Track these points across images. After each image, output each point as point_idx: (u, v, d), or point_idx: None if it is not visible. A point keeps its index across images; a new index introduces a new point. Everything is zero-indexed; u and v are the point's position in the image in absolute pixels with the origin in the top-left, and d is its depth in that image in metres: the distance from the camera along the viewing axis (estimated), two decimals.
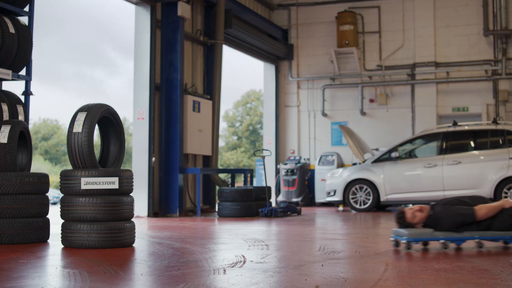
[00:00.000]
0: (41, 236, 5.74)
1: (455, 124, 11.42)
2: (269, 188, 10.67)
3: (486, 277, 3.64)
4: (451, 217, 4.93)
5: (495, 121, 11.16)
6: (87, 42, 58.34)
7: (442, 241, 4.92)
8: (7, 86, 7.23)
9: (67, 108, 56.95)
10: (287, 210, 10.51)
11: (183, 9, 10.87)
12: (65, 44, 57.30)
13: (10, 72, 6.73)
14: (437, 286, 3.35)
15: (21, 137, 6.33)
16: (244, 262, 4.37)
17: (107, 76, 60.78)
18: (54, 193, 25.47)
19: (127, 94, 58.23)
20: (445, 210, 4.99)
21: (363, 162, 11.86)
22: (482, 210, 4.95)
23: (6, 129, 5.92)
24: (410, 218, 5.06)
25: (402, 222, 5.09)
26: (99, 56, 59.57)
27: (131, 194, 6.12)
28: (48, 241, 5.86)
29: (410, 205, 12.43)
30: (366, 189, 11.51)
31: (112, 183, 5.76)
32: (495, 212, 4.97)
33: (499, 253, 4.79)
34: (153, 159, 10.74)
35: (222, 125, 43.41)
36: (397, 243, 5.06)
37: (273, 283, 3.52)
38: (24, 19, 7.22)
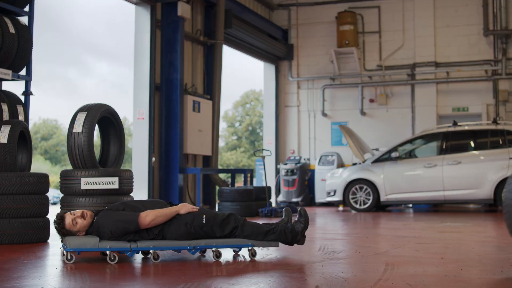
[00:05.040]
0: (41, 236, 5.74)
1: (455, 124, 11.42)
2: (269, 188, 10.66)
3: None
4: (111, 224, 4.27)
5: (495, 121, 11.15)
6: (58, 43, 58.19)
7: (108, 251, 4.25)
8: (7, 86, 7.23)
9: (52, 108, 57.03)
10: None
11: (183, 9, 10.88)
12: (36, 44, 57.13)
13: (10, 72, 6.73)
14: (438, 287, 3.35)
15: (21, 137, 6.32)
16: (244, 262, 4.37)
17: (80, 77, 60.71)
18: (54, 193, 25.45)
19: (101, 94, 58.29)
20: (105, 216, 4.35)
21: (363, 162, 11.85)
22: (148, 216, 4.28)
23: (6, 129, 5.92)
24: (69, 225, 4.38)
25: (60, 229, 4.40)
26: (71, 57, 59.46)
27: (131, 194, 6.13)
28: (48, 241, 5.86)
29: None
30: (366, 189, 11.51)
31: (112, 183, 5.77)
32: (166, 218, 4.34)
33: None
34: (153, 159, 10.74)
35: (222, 125, 43.40)
36: (63, 254, 4.32)
37: (273, 283, 3.52)
38: (24, 19, 7.23)
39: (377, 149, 13.43)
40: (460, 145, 11.29)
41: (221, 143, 43.34)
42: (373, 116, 14.72)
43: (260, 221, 4.75)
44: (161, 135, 10.97)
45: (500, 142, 10.92)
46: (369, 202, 11.48)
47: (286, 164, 14.43)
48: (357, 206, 11.56)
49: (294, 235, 4.53)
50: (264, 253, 4.78)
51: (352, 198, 11.66)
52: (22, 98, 7.04)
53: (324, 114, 15.06)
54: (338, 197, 11.85)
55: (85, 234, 4.42)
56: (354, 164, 12.87)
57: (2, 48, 6.53)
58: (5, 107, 6.51)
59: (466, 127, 11.35)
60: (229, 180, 12.33)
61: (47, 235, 5.85)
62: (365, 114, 14.74)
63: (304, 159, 15.13)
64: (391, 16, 14.68)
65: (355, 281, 3.53)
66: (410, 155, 11.66)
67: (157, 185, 10.92)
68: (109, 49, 61.61)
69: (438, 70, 14.09)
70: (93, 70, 60.96)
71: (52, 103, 57.04)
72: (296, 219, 4.63)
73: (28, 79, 7.12)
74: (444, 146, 11.23)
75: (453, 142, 11.24)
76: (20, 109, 6.78)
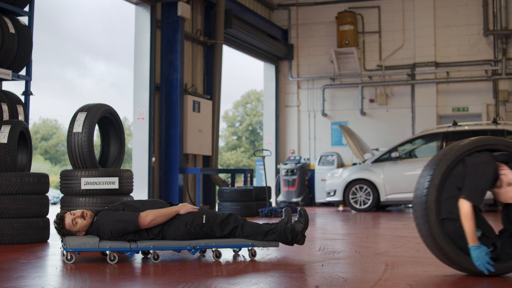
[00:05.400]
0: (41, 236, 5.74)
1: (455, 124, 11.42)
2: (269, 188, 10.66)
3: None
4: (111, 224, 4.27)
5: (495, 121, 11.15)
6: (55, 43, 58.14)
7: (108, 251, 4.25)
8: (7, 86, 7.24)
9: (50, 108, 57.07)
10: None
11: (183, 9, 10.88)
12: (34, 44, 56.94)
13: (10, 72, 6.73)
14: (438, 287, 3.35)
15: (21, 137, 6.33)
16: (245, 262, 4.37)
17: (78, 77, 60.64)
18: (54, 193, 25.44)
19: (98, 94, 58.26)
20: (105, 216, 4.34)
21: (363, 162, 11.86)
22: (148, 216, 4.28)
23: (6, 129, 5.92)
24: (69, 225, 4.38)
25: (60, 229, 4.41)
26: (68, 57, 59.36)
27: (131, 194, 6.13)
28: (48, 241, 5.86)
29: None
30: (366, 189, 11.51)
31: (112, 183, 5.77)
32: (166, 218, 4.34)
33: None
34: (153, 159, 10.74)
35: (222, 125, 43.37)
36: (63, 254, 4.31)
37: (273, 283, 3.52)
38: (24, 19, 7.23)
39: (377, 149, 13.43)
40: None
41: (221, 143, 43.33)
42: (373, 116, 14.72)
43: (260, 221, 4.75)
44: (161, 135, 10.97)
45: None
46: (369, 202, 11.48)
47: (286, 164, 14.43)
48: (357, 206, 11.57)
49: (294, 235, 4.53)
50: (264, 253, 4.78)
51: (352, 198, 11.67)
52: (22, 98, 7.04)
53: (324, 114, 15.07)
54: (338, 197, 11.85)
55: (85, 234, 4.42)
56: (354, 164, 12.87)
57: (2, 48, 6.53)
58: (5, 107, 6.52)
59: (466, 127, 11.35)
60: (229, 180, 12.33)
61: (47, 235, 5.85)
62: (365, 114, 14.75)
63: (304, 159, 15.14)
64: (391, 16, 14.68)
65: (355, 281, 3.53)
66: (410, 155, 11.66)
67: (157, 185, 10.92)
68: (106, 49, 61.57)
69: (438, 70, 14.10)
70: (90, 70, 60.95)
71: (50, 103, 57.09)
72: (296, 219, 4.64)
73: (28, 79, 7.12)
74: (444, 146, 11.23)
75: (453, 142, 11.22)
76: (20, 109, 6.78)
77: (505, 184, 3.60)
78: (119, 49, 60.60)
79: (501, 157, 3.64)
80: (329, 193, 12.10)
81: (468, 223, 3.50)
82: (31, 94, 7.16)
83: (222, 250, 4.56)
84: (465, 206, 3.50)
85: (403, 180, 11.30)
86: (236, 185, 13.81)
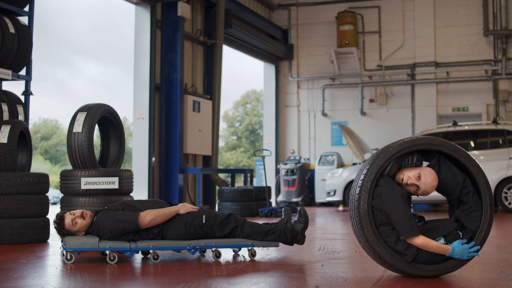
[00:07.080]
0: (41, 236, 5.74)
1: (455, 124, 11.42)
2: (269, 188, 10.66)
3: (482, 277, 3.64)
4: (111, 224, 4.26)
5: (495, 121, 11.15)
6: (45, 43, 57.99)
7: (108, 251, 4.25)
8: (7, 86, 7.24)
9: (45, 108, 57.00)
10: None
11: (183, 9, 10.88)
12: None
13: (10, 72, 6.73)
14: (439, 286, 3.35)
15: (21, 137, 6.33)
16: (244, 262, 4.37)
17: (69, 77, 60.43)
18: (54, 193, 25.43)
19: (90, 94, 58.14)
20: (105, 216, 4.33)
21: (363, 162, 11.85)
22: (148, 216, 4.27)
23: (6, 129, 5.92)
24: (69, 225, 4.38)
25: (60, 229, 4.40)
26: (58, 57, 59.11)
27: (131, 194, 6.13)
28: (48, 241, 5.86)
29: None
30: None
31: (112, 183, 5.77)
32: (166, 218, 4.33)
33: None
34: (153, 159, 10.74)
35: (222, 125, 43.36)
36: (63, 254, 4.31)
37: (273, 283, 3.52)
38: (24, 19, 7.23)
39: (377, 149, 13.43)
40: (460, 145, 11.28)
41: (221, 143, 43.32)
42: (373, 116, 14.72)
43: (260, 221, 4.74)
44: (161, 135, 10.97)
45: (500, 142, 10.92)
46: None
47: (286, 164, 14.43)
48: None
49: (294, 235, 4.53)
50: (264, 253, 4.78)
51: None
52: (22, 98, 7.04)
53: (324, 114, 15.07)
54: (338, 197, 11.85)
55: (85, 234, 4.42)
56: (354, 164, 12.87)
57: (2, 48, 6.53)
58: (5, 107, 6.52)
59: (466, 127, 11.35)
60: (229, 180, 12.32)
61: (47, 235, 5.85)
62: (365, 114, 14.75)
63: (304, 159, 15.13)
64: (391, 16, 14.68)
65: (355, 281, 3.53)
66: None
67: (157, 185, 10.92)
68: (96, 48, 61.31)
69: (438, 70, 14.10)
70: (80, 70, 60.66)
71: (44, 103, 56.99)
72: (296, 219, 4.64)
73: (28, 79, 7.12)
74: None
75: (453, 142, 11.22)
76: (20, 109, 6.78)
77: (415, 184, 3.64)
78: (110, 49, 60.39)
79: (393, 168, 3.59)
80: (329, 193, 12.09)
81: (431, 247, 3.50)
82: (31, 94, 7.16)
83: (222, 250, 4.56)
84: (415, 241, 3.50)
85: None
86: (236, 185, 13.81)
